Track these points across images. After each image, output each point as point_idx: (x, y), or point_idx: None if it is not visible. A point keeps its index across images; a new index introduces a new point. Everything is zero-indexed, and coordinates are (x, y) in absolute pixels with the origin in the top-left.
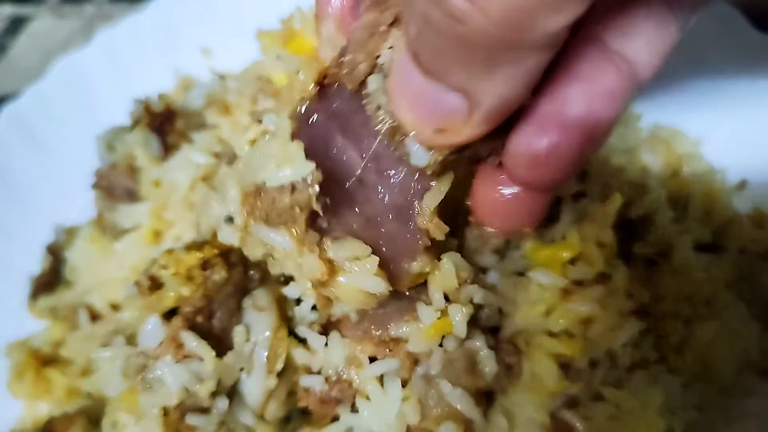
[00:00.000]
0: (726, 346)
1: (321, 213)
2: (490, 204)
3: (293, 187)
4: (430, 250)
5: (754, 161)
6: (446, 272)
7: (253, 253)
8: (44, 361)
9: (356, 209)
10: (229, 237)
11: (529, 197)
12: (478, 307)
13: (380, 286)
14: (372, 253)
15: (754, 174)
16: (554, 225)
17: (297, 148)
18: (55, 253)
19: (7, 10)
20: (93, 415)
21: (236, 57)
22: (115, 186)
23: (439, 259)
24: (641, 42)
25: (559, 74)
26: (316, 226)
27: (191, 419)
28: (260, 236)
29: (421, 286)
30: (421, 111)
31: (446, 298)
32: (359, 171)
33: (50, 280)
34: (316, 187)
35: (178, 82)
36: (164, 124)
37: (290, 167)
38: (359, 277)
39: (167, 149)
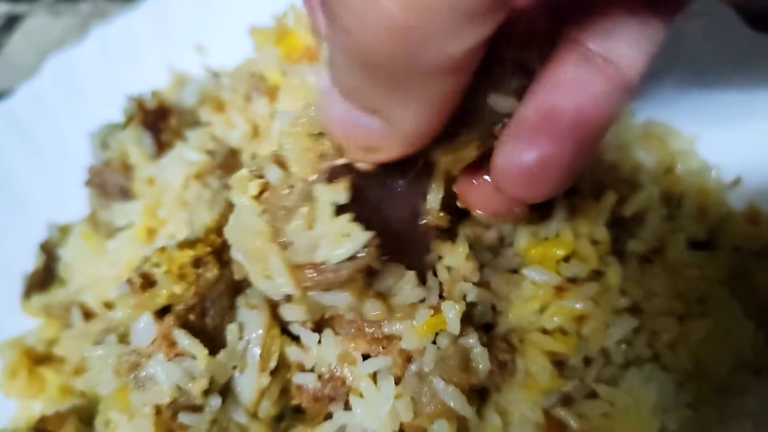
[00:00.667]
0: (719, 345)
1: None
2: (476, 189)
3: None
4: (443, 236)
5: (749, 158)
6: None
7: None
8: (37, 359)
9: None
10: (292, 315)
11: None
12: (471, 305)
13: (420, 294)
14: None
15: (748, 171)
16: (548, 222)
17: (349, 221)
18: (49, 251)
19: (1, 8)
20: (86, 413)
21: (230, 54)
22: (109, 184)
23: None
24: (625, 43)
25: (543, 82)
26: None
27: (184, 418)
28: (321, 300)
29: None
30: (345, 133)
31: (440, 295)
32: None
33: (44, 278)
34: (374, 250)
35: (172, 80)
36: (158, 121)
37: (348, 242)
38: (407, 296)
39: (161, 147)
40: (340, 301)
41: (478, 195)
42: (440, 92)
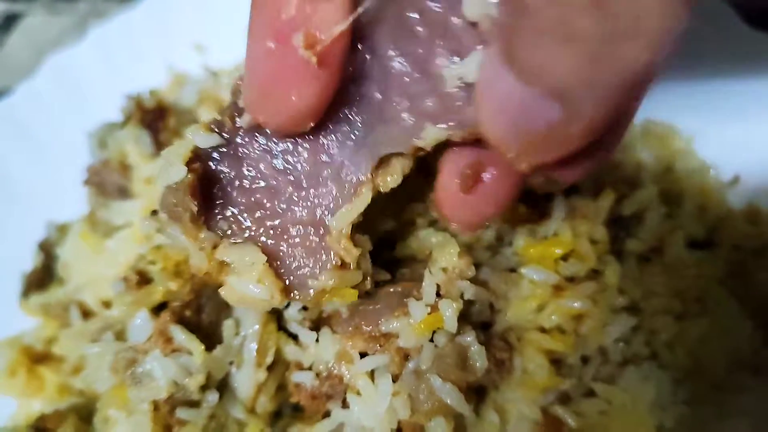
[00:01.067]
0: (717, 343)
1: (196, 213)
2: (451, 199)
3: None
4: (341, 270)
5: (748, 157)
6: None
7: None
8: (36, 358)
9: (268, 220)
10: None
11: (494, 186)
12: (469, 303)
13: (264, 294)
14: (274, 263)
15: (747, 170)
16: (546, 221)
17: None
18: (47, 250)
19: (0, 7)
20: (85, 411)
21: (229, 54)
22: (107, 183)
23: None
24: None
25: None
26: (215, 228)
27: (181, 413)
28: (171, 233)
29: (412, 281)
30: (514, 123)
31: (438, 293)
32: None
33: (42, 277)
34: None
35: (171, 79)
36: (156, 120)
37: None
38: (245, 282)
39: (159, 146)
40: (178, 238)
41: (455, 204)
42: (649, 62)
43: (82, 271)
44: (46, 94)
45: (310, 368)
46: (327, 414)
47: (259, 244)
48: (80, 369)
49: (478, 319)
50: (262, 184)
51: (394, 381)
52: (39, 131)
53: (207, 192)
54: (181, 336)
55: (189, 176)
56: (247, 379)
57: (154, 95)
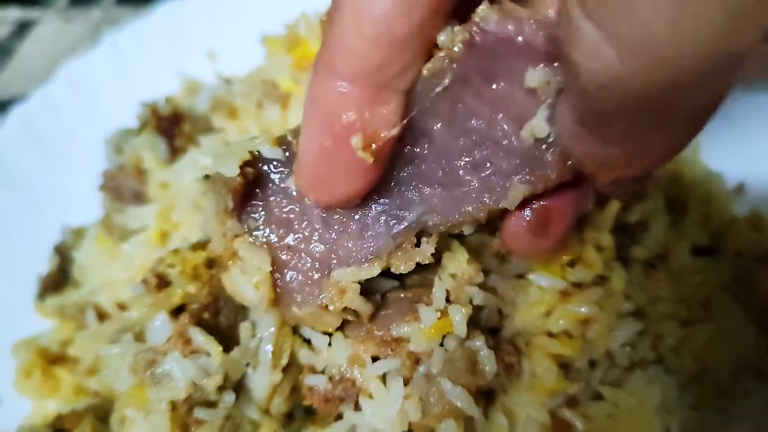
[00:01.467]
0: (722, 348)
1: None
2: (520, 241)
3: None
4: (323, 311)
5: (752, 165)
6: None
7: None
8: (52, 359)
9: (289, 239)
10: None
11: (557, 226)
12: (478, 309)
13: (254, 299)
14: (275, 274)
15: (752, 177)
16: None
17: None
18: (63, 254)
19: (14, 14)
20: (101, 412)
21: (242, 62)
22: (123, 188)
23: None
24: None
25: None
26: (243, 220)
27: (199, 413)
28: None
29: (422, 287)
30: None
31: (447, 299)
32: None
33: (58, 280)
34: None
35: (184, 86)
36: (171, 127)
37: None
38: (244, 280)
39: (174, 152)
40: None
41: (520, 238)
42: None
43: (98, 274)
44: (60, 100)
45: (323, 372)
46: (339, 416)
47: (271, 254)
48: (95, 370)
49: (486, 324)
50: (298, 208)
51: (405, 384)
52: (54, 137)
53: (250, 187)
54: (199, 338)
55: (238, 178)
56: (262, 380)
57: (169, 102)
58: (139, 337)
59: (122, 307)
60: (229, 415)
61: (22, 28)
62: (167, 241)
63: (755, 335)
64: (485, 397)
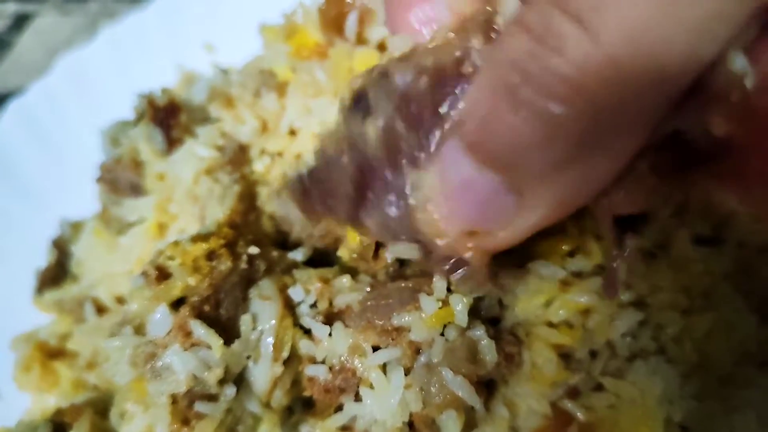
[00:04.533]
0: (724, 338)
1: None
2: None
3: None
4: None
5: None
6: None
7: None
8: (51, 353)
9: None
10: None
11: None
12: (478, 299)
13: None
14: None
15: None
16: None
17: None
18: (61, 247)
19: (11, 7)
20: (100, 406)
21: (239, 53)
22: (120, 180)
23: None
24: None
25: None
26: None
27: (199, 406)
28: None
29: (423, 276)
30: (458, 208)
31: (448, 288)
32: None
33: (56, 274)
34: None
35: (182, 77)
36: (168, 118)
37: None
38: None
39: (171, 143)
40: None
41: None
42: (624, 154)
43: (96, 267)
44: (58, 93)
45: (323, 362)
46: (339, 408)
47: None
48: (94, 364)
49: (487, 314)
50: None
51: (406, 374)
52: (52, 130)
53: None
54: (200, 330)
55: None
56: (263, 373)
57: (165, 93)
58: (139, 330)
59: (120, 300)
60: (230, 408)
61: (20, 21)
62: (165, 233)
63: (757, 325)
64: (486, 388)
